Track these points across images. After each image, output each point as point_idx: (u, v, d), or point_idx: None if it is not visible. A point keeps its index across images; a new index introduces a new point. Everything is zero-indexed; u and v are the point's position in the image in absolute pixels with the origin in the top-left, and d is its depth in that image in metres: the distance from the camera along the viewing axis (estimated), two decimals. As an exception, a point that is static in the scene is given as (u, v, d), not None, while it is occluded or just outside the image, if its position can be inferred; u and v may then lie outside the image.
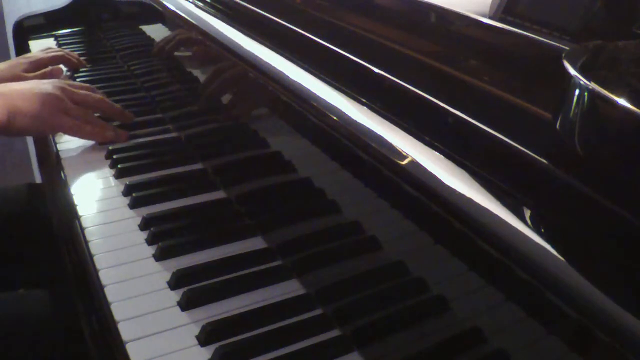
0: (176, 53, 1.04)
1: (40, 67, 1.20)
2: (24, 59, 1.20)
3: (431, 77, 0.58)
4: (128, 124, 1.02)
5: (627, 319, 0.32)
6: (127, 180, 0.87)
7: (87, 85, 1.04)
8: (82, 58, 1.28)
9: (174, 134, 1.02)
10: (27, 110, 0.89)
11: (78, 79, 1.22)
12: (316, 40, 0.70)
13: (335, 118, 0.57)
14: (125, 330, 0.62)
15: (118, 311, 0.64)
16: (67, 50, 1.28)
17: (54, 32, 1.48)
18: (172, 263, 0.71)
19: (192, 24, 0.89)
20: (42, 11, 1.49)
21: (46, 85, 0.93)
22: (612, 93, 0.37)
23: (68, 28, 1.50)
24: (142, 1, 1.12)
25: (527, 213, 0.41)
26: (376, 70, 0.60)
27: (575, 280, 0.35)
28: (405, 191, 0.49)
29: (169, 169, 0.91)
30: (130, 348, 0.60)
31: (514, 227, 0.40)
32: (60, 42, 1.43)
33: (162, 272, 0.70)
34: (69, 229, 0.82)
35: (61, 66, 1.23)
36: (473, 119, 0.49)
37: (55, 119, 0.91)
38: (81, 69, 1.26)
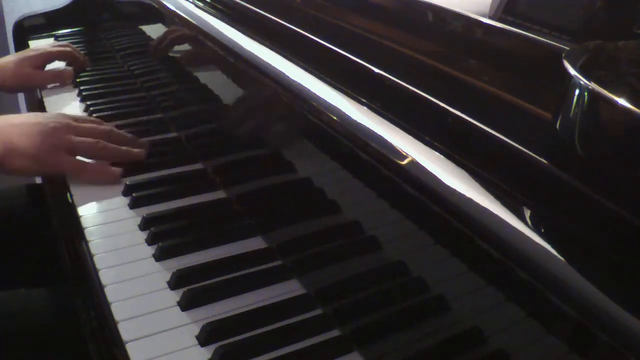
0: (175, 54, 1.04)
1: (48, 62, 1.20)
2: (32, 52, 1.20)
3: (431, 77, 0.58)
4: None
5: (627, 319, 0.32)
6: (127, 181, 0.87)
7: (94, 119, 0.97)
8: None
9: (174, 134, 1.02)
10: (25, 149, 0.81)
11: (78, 80, 1.22)
12: (316, 40, 0.70)
13: (335, 118, 0.57)
14: (125, 330, 0.62)
15: (118, 311, 0.64)
16: (73, 47, 1.28)
17: (54, 32, 1.48)
18: (172, 263, 0.71)
19: (192, 24, 0.89)
20: (42, 11, 1.49)
21: (48, 121, 0.86)
22: (612, 93, 0.37)
23: (68, 28, 1.50)
24: (142, 1, 1.12)
25: (527, 213, 0.41)
26: (376, 70, 0.60)
27: (575, 280, 0.35)
28: (405, 191, 0.49)
29: (169, 169, 0.91)
30: (130, 348, 0.60)
31: (514, 227, 0.40)
32: (60, 42, 1.43)
33: (162, 272, 0.70)
34: (69, 229, 0.82)
35: (70, 68, 1.23)
36: (473, 119, 0.49)
37: (55, 158, 0.84)
38: (82, 72, 1.26)
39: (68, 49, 1.26)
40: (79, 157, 0.88)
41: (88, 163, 0.87)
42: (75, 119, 0.91)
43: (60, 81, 1.22)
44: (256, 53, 0.73)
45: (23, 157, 0.82)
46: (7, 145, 0.81)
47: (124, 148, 0.90)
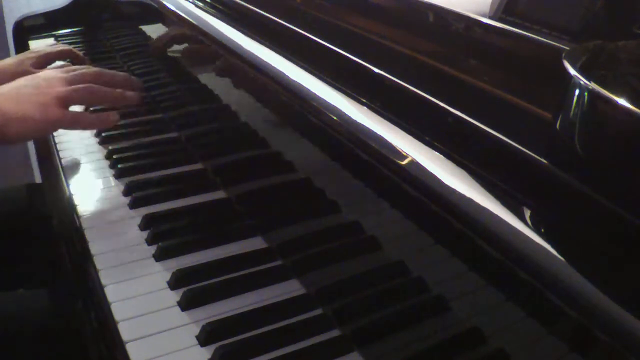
0: (175, 54, 1.04)
1: (48, 62, 1.20)
2: (32, 53, 1.20)
3: (431, 77, 0.58)
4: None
5: (627, 319, 0.32)
6: (127, 180, 0.87)
7: (82, 66, 0.97)
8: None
9: (174, 134, 1.02)
10: (20, 114, 0.80)
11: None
12: (316, 40, 0.70)
13: (335, 118, 0.57)
14: (125, 330, 0.62)
15: (118, 311, 0.64)
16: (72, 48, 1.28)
17: (54, 32, 1.48)
18: (172, 263, 0.71)
19: (192, 24, 0.89)
20: (42, 11, 1.49)
21: (36, 81, 0.85)
22: (612, 93, 0.37)
23: (68, 28, 1.49)
24: (142, 1, 1.12)
25: (527, 213, 0.41)
26: (376, 70, 0.60)
27: (575, 280, 0.35)
28: (405, 191, 0.49)
29: (169, 169, 0.91)
30: (130, 348, 0.60)
31: (514, 227, 0.40)
32: (60, 42, 1.43)
33: (162, 272, 0.70)
34: (69, 229, 0.82)
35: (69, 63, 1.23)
36: (473, 119, 0.49)
37: (51, 115, 0.82)
38: None
39: (67, 48, 1.26)
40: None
41: (83, 113, 0.88)
42: (64, 68, 0.91)
43: None
44: (256, 53, 0.73)
45: (20, 123, 0.81)
46: (3, 116, 0.80)
47: (117, 90, 0.90)
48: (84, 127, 0.91)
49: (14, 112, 0.81)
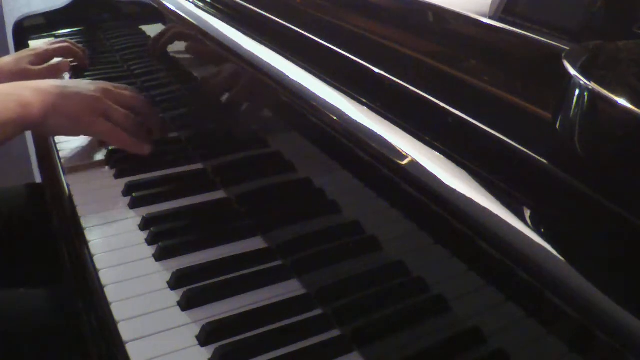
0: (175, 54, 1.04)
1: (46, 60, 1.20)
2: (30, 51, 1.20)
3: (431, 77, 0.58)
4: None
5: (627, 319, 0.32)
6: (127, 180, 0.87)
7: (131, 89, 1.00)
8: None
9: (174, 134, 1.02)
10: (64, 109, 0.85)
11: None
12: (316, 40, 0.70)
13: (335, 118, 0.57)
14: (125, 330, 0.62)
15: (118, 311, 0.64)
16: (71, 41, 1.28)
17: (54, 32, 1.48)
18: (172, 263, 0.71)
19: (192, 24, 0.89)
20: (42, 11, 1.49)
21: (89, 86, 0.91)
22: (612, 93, 0.37)
23: (68, 28, 1.49)
24: (142, 1, 1.12)
25: (527, 213, 0.41)
26: (376, 70, 0.60)
27: (575, 280, 0.35)
28: (405, 191, 0.49)
29: (169, 169, 0.91)
30: (130, 348, 0.60)
31: (514, 227, 0.40)
32: (58, 39, 1.43)
33: (162, 272, 0.70)
34: (69, 229, 0.82)
35: (67, 60, 1.23)
36: (473, 119, 0.49)
37: (91, 120, 0.87)
38: (83, 71, 1.26)
39: (65, 44, 1.25)
40: None
41: (121, 132, 0.90)
42: (115, 86, 0.95)
43: (57, 73, 1.21)
44: (256, 53, 0.73)
45: (61, 116, 0.85)
46: (49, 106, 0.84)
47: (147, 146, 0.93)
48: (118, 144, 0.91)
49: (62, 106, 0.85)
